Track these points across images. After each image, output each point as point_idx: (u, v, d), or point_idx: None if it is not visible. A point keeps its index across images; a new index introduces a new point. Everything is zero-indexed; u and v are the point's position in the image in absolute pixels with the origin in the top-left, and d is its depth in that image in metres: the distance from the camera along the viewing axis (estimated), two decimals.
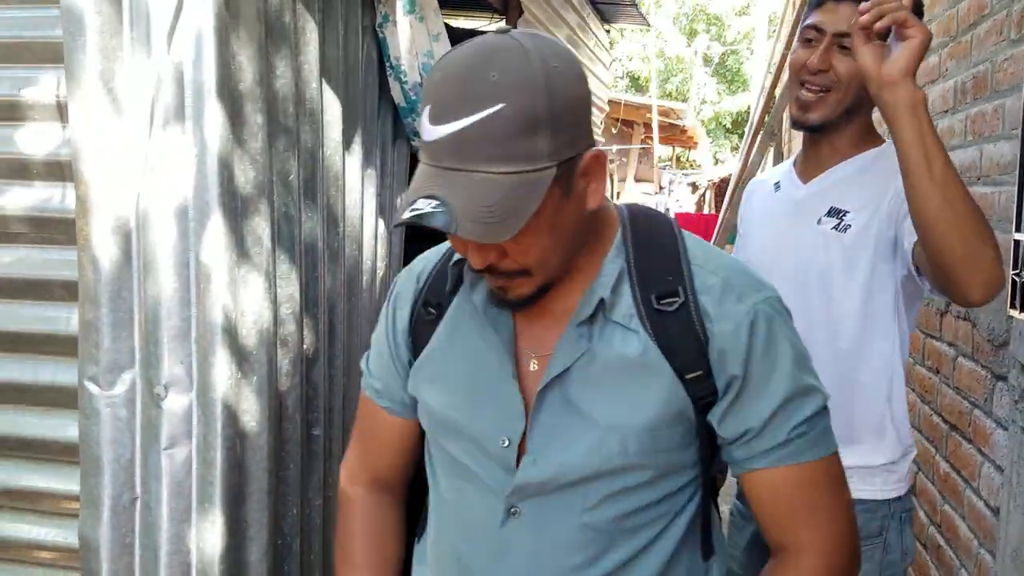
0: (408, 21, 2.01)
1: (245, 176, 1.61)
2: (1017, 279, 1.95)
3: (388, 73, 2.11)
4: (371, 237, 2.19)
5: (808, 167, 1.72)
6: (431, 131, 0.99)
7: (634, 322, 1.14)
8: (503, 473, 1.19)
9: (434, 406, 1.27)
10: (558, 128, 0.99)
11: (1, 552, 1.84)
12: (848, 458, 1.29)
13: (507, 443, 1.18)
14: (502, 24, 1.08)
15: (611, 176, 10.86)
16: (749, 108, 22.06)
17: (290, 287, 1.78)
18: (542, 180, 0.99)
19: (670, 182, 12.42)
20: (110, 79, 1.49)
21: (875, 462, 1.67)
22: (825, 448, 1.18)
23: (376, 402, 1.35)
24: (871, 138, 1.70)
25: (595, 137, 6.10)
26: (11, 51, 1.64)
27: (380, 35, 2.05)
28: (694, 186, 15.92)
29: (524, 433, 1.18)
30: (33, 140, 1.64)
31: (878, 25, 1.38)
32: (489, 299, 1.18)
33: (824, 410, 1.19)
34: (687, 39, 23.77)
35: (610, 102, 9.08)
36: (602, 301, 1.14)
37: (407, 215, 0.99)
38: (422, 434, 1.36)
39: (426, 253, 1.35)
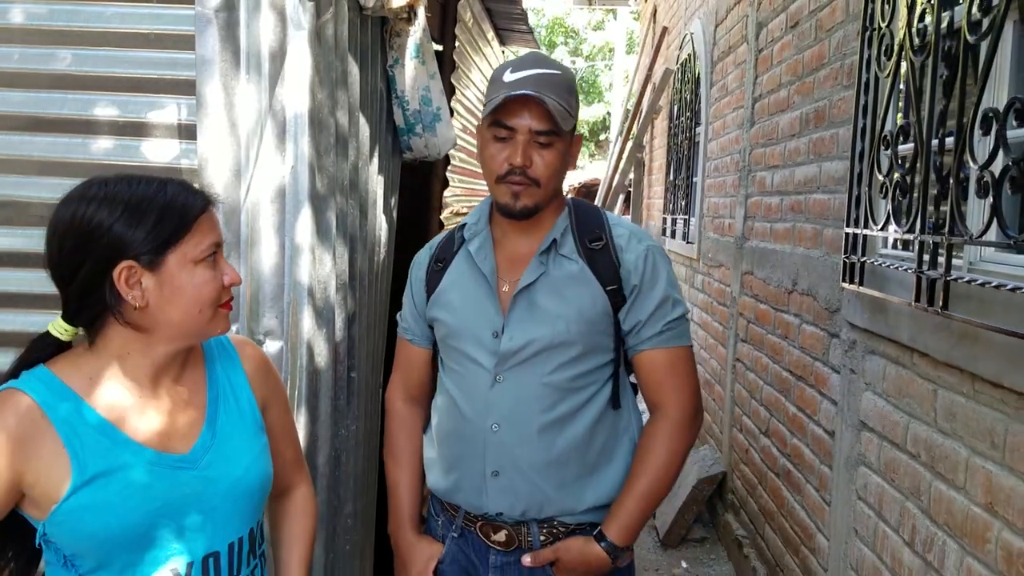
0: (413, 64, 2.62)
1: (321, 180, 2.18)
2: (846, 261, 2.76)
3: (393, 102, 2.71)
4: (381, 227, 2.78)
5: None
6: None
7: (574, 255, 1.81)
8: (492, 356, 1.78)
9: (446, 320, 1.85)
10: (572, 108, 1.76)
11: None
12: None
13: (496, 335, 1.80)
14: None
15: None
16: (604, 119, 23.29)
17: (342, 263, 2.35)
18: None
19: None
20: (230, 109, 2.04)
21: None
22: (685, 340, 1.80)
23: (406, 338, 1.99)
24: None
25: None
26: (144, 84, 2.13)
27: (390, 73, 2.65)
28: None
29: (504, 328, 1.76)
30: (155, 151, 2.13)
31: None
32: (501, 211, 1.78)
33: (685, 316, 1.80)
34: (547, 50, 24.75)
35: None
36: (554, 241, 1.81)
37: (523, 91, 1.66)
38: (435, 359, 1.95)
39: (432, 240, 1.99)
